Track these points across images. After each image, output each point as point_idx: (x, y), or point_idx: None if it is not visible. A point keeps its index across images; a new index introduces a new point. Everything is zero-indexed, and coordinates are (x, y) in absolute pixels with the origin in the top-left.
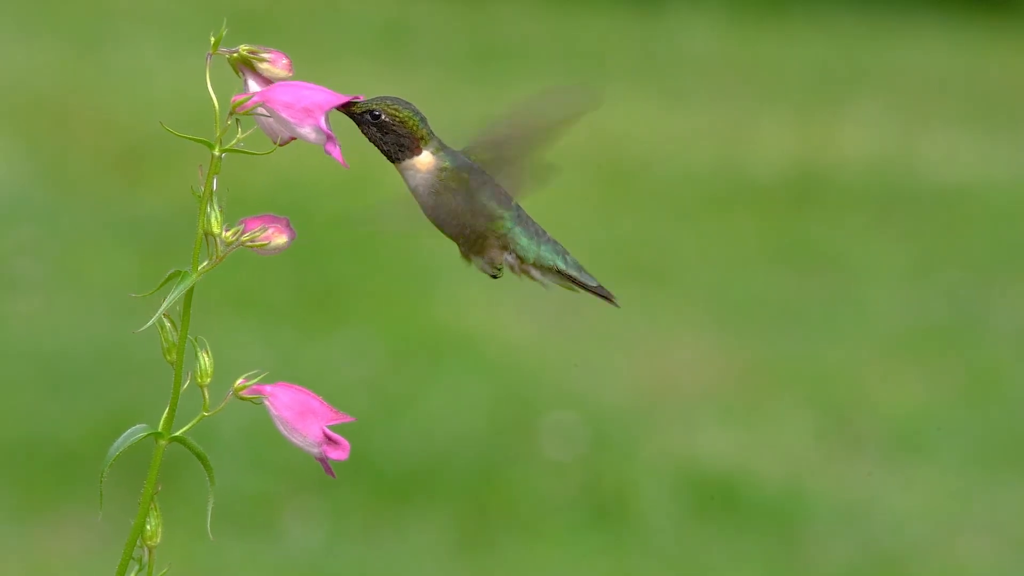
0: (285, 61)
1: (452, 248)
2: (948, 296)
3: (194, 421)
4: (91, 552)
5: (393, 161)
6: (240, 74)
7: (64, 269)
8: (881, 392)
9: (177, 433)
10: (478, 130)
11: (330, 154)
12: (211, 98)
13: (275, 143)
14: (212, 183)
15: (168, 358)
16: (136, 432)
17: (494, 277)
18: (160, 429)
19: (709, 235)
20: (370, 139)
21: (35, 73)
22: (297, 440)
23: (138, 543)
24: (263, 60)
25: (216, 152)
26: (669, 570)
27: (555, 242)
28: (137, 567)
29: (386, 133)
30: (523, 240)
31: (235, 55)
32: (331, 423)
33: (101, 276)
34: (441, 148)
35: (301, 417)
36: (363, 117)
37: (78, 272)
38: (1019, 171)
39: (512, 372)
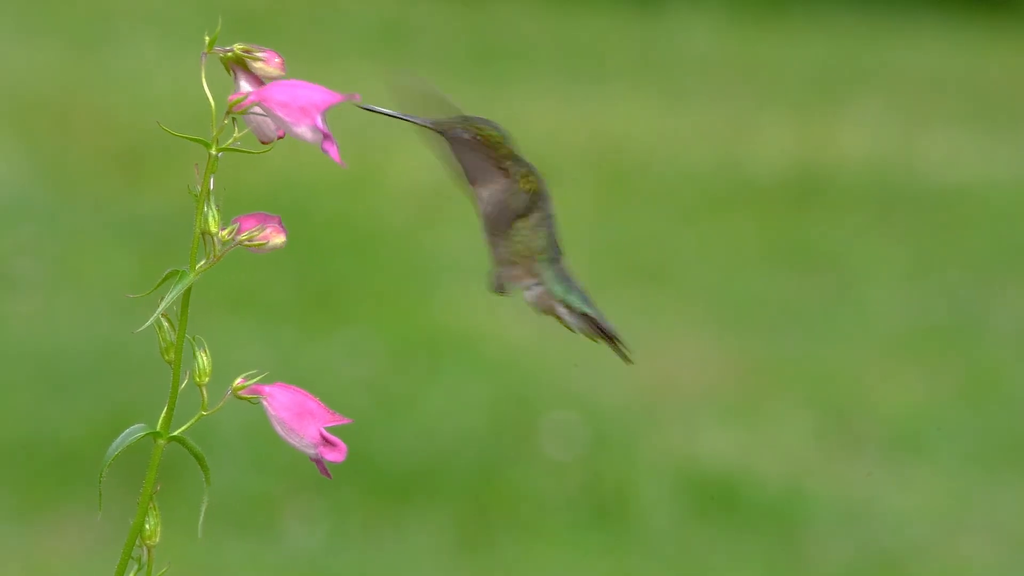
0: (278, 60)
1: (452, 248)
2: (948, 296)
3: (192, 420)
4: (91, 552)
5: (470, 183)
6: (232, 73)
7: (64, 269)
8: (881, 392)
9: (175, 433)
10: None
11: (326, 153)
12: (216, 100)
13: (264, 142)
14: (209, 182)
15: (166, 357)
16: (135, 432)
17: (500, 294)
18: (159, 429)
19: (709, 235)
20: (453, 158)
21: (35, 73)
22: (294, 441)
23: (137, 543)
24: (257, 59)
25: (213, 151)
26: (669, 570)
27: (584, 291)
28: (136, 567)
29: (472, 153)
30: (555, 283)
31: (229, 54)
32: (328, 425)
33: (101, 276)
34: (518, 163)
35: (298, 418)
36: (451, 135)
37: (78, 272)
38: (1019, 171)
39: (512, 372)
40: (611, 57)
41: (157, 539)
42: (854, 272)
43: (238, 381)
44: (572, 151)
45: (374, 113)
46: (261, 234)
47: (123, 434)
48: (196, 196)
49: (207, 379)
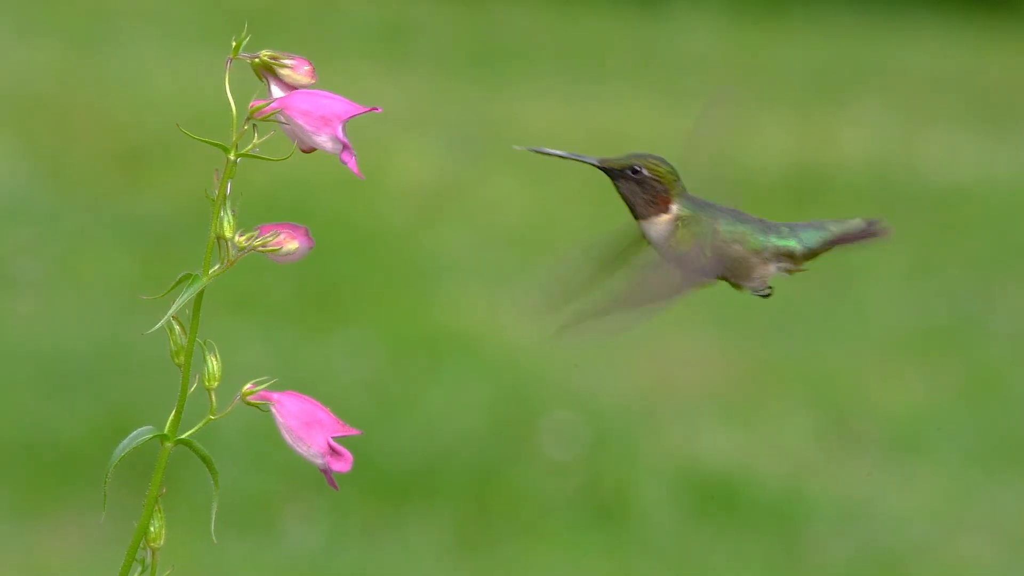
0: (307, 68)
1: (452, 249)
2: (948, 296)
3: (200, 424)
4: (91, 552)
5: (638, 217)
6: (263, 79)
7: (64, 269)
8: (881, 392)
9: (184, 436)
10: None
11: (346, 164)
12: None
13: (301, 150)
14: (226, 187)
15: (176, 361)
16: (142, 434)
17: (766, 296)
18: (166, 431)
19: None
20: (624, 193)
21: (35, 73)
22: (301, 449)
23: (141, 544)
24: (284, 66)
25: (232, 157)
26: (669, 570)
27: (792, 225)
28: (140, 568)
29: (643, 189)
30: (783, 240)
31: (256, 61)
32: (337, 435)
33: (101, 276)
34: (683, 196)
35: (307, 427)
36: (624, 172)
37: (78, 272)
38: (1019, 171)
39: (512, 372)
40: (611, 57)
41: (162, 541)
42: (854, 272)
43: (247, 387)
44: (572, 151)
45: (541, 153)
46: (275, 240)
47: (130, 436)
48: (212, 200)
49: (216, 384)
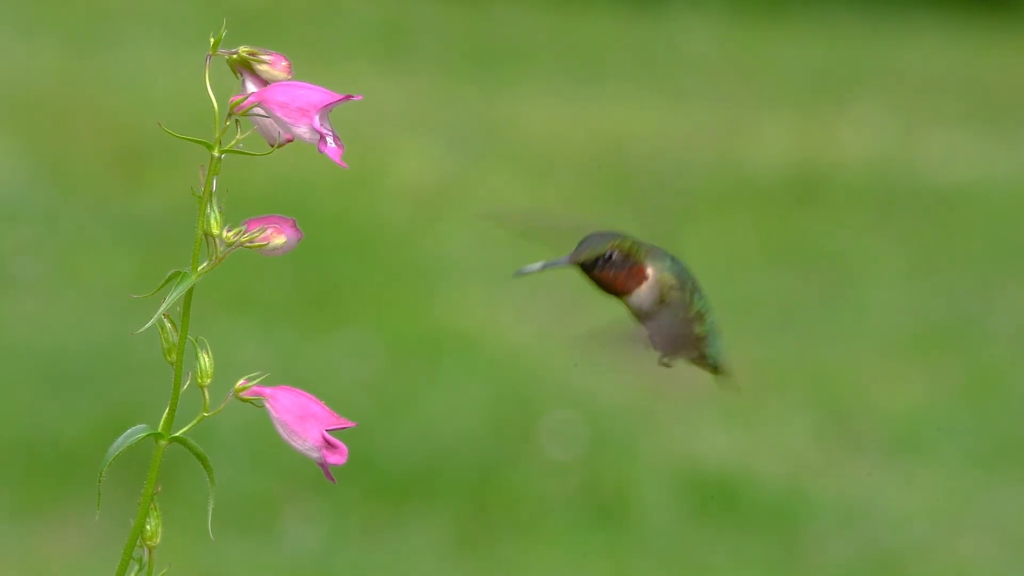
0: (285, 63)
1: (452, 249)
2: (948, 296)
3: (194, 422)
4: (91, 552)
5: (622, 295)
6: (238, 75)
7: (64, 269)
8: (881, 392)
9: (177, 434)
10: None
11: (324, 153)
12: (210, 99)
13: (272, 145)
14: (212, 184)
15: (168, 359)
16: (136, 432)
17: (667, 366)
18: (160, 429)
19: (709, 234)
20: (603, 279)
21: (35, 73)
22: (297, 444)
23: (138, 543)
24: (262, 62)
25: (215, 153)
26: (669, 570)
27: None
28: (137, 567)
29: (618, 269)
30: (715, 343)
31: (234, 56)
32: (331, 428)
33: (101, 276)
34: (651, 256)
35: (301, 421)
36: (598, 263)
37: (78, 272)
38: (1019, 171)
39: (512, 372)
40: (611, 57)
41: (158, 540)
42: (854, 272)
43: (240, 383)
44: (572, 151)
45: (523, 274)
46: (262, 235)
47: (124, 435)
48: (198, 197)
49: (209, 380)
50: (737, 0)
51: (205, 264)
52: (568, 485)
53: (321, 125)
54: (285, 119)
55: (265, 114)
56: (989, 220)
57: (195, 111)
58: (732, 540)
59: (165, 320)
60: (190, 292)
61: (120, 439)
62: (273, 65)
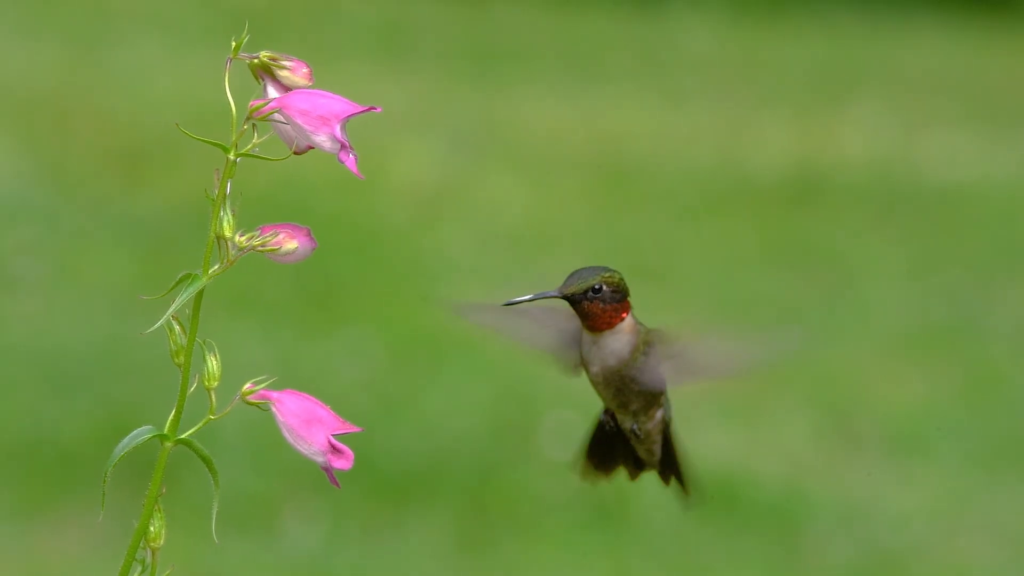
0: (306, 70)
1: (452, 249)
2: (948, 296)
3: (200, 424)
4: (91, 552)
5: (598, 330)
6: (260, 80)
7: (64, 269)
8: (881, 392)
9: (183, 436)
10: (681, 328)
11: (343, 163)
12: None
13: (291, 150)
14: (226, 187)
15: (176, 360)
16: (142, 434)
17: (637, 437)
18: (166, 431)
19: (709, 235)
20: (588, 312)
21: (35, 73)
22: (302, 448)
23: (141, 544)
24: (283, 67)
25: (231, 156)
26: (669, 570)
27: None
28: (140, 568)
29: (605, 303)
30: (670, 403)
31: (255, 61)
32: (337, 432)
33: (101, 276)
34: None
35: (307, 425)
36: (586, 295)
37: (78, 272)
38: (1019, 171)
39: (512, 372)
40: (611, 57)
41: (162, 541)
42: (854, 272)
43: (247, 386)
44: (572, 151)
45: (512, 304)
46: (274, 240)
47: (130, 436)
48: (212, 200)
49: (216, 383)
50: (737, 0)
51: (216, 267)
52: (568, 485)
53: (341, 135)
54: (305, 127)
55: (284, 120)
56: (989, 220)
57: (196, 111)
58: (732, 540)
59: (174, 322)
60: (200, 294)
61: (126, 440)
62: (294, 71)
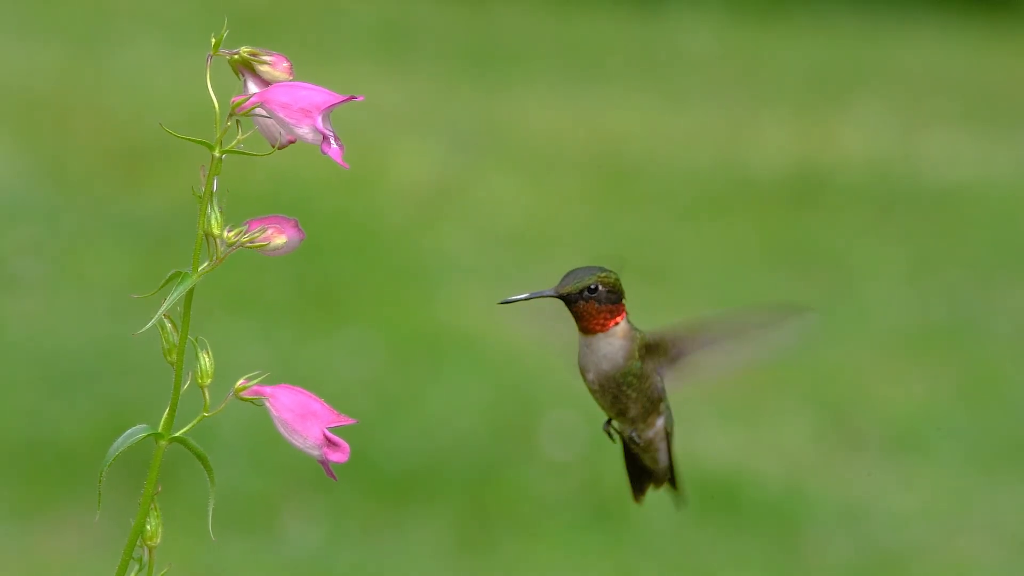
0: (286, 64)
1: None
2: (948, 296)
3: (194, 422)
4: (91, 552)
5: (591, 332)
6: (240, 76)
7: (64, 269)
8: (881, 392)
9: (177, 434)
10: (678, 322)
11: (327, 154)
12: (211, 99)
13: (273, 145)
14: (212, 184)
15: (169, 359)
16: (136, 432)
17: (636, 444)
18: (160, 429)
19: (709, 235)
20: (583, 312)
21: (35, 73)
22: (298, 442)
23: (138, 543)
24: (263, 63)
25: (216, 153)
26: (669, 570)
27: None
28: (137, 567)
29: (601, 303)
30: (671, 411)
31: (236, 57)
32: (332, 425)
33: (101, 276)
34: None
35: (302, 419)
36: (582, 294)
37: (78, 272)
38: (1019, 171)
39: (512, 372)
40: (611, 57)
41: (158, 540)
42: (854, 272)
43: (240, 382)
44: (572, 151)
45: (509, 302)
46: (262, 235)
47: (124, 435)
48: (199, 197)
49: (209, 380)
50: (737, 0)
51: (206, 264)
52: (568, 485)
53: (323, 126)
54: (287, 120)
55: (267, 115)
56: (989, 220)
57: (195, 111)
58: (732, 540)
59: (165, 320)
60: (190, 292)
61: (120, 439)
62: (274, 66)
